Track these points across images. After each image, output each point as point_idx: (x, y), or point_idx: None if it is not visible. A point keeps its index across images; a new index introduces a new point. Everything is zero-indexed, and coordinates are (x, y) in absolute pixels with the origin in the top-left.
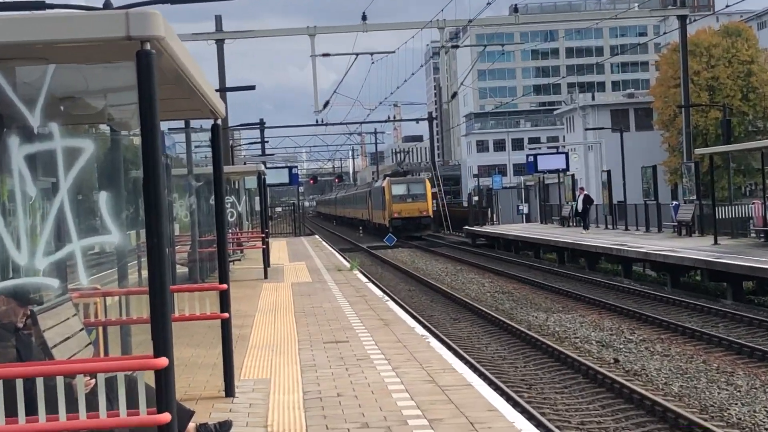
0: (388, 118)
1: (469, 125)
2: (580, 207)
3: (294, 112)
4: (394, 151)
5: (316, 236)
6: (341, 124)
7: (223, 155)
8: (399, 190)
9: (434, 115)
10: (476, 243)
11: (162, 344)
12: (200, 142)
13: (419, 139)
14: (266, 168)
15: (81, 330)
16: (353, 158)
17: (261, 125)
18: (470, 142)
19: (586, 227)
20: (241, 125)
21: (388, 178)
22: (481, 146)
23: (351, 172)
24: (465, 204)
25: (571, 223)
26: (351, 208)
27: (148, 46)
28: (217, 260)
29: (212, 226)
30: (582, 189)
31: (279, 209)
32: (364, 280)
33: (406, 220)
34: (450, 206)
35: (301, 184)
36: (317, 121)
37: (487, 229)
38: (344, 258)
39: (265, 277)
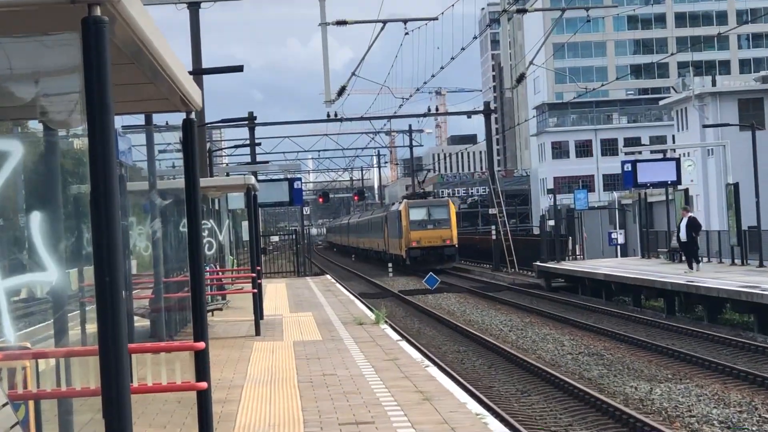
0: (429, 110)
1: (542, 121)
2: (683, 235)
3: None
4: (437, 156)
5: (328, 276)
6: (362, 119)
7: (199, 163)
8: (418, 214)
9: (492, 106)
10: (552, 285)
11: (117, 423)
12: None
13: (471, 140)
14: (258, 181)
15: (4, 405)
16: (379, 167)
17: (250, 121)
18: (543, 144)
19: (691, 264)
20: (224, 121)
21: (405, 201)
22: (559, 150)
23: (376, 186)
24: (536, 231)
25: (682, 258)
26: (366, 237)
27: (97, 11)
28: (191, 309)
29: (184, 262)
30: (686, 210)
31: (276, 238)
32: (396, 337)
33: (426, 250)
34: (514, 234)
35: (306, 204)
36: (329, 116)
37: (568, 265)
38: (367, 307)
39: (257, 333)
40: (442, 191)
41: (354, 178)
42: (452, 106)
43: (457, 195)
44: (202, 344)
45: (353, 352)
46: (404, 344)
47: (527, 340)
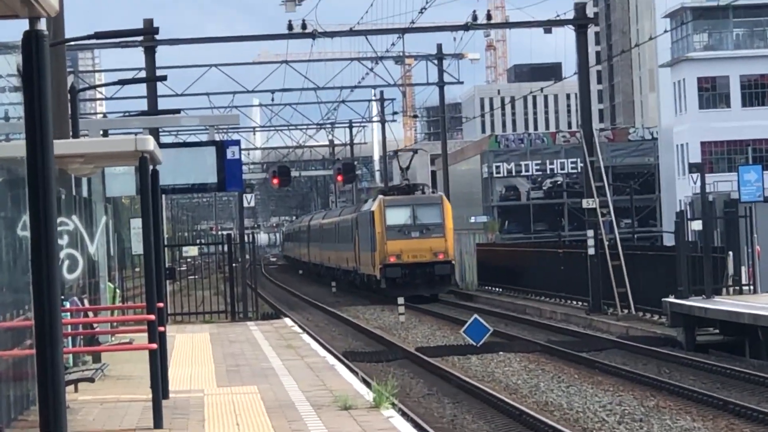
0: (474, 18)
1: (681, 39)
2: None
3: (230, 3)
4: (489, 102)
5: (287, 320)
6: (351, 33)
7: (55, 112)
8: (398, 217)
9: (591, 12)
10: (697, 341)
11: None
12: None
13: (551, 73)
14: (161, 146)
15: None
16: (383, 122)
17: (148, 36)
18: (682, 81)
19: None
20: (100, 36)
21: (380, 197)
22: (711, 93)
23: (376, 155)
24: (668, 240)
25: None
26: (332, 249)
27: None
28: (36, 380)
29: (23, 293)
30: None
31: (194, 251)
32: None
33: (409, 268)
34: (629, 247)
35: (249, 188)
36: (291, 28)
37: (726, 304)
38: (359, 378)
39: (157, 424)
40: (497, 167)
41: (337, 143)
42: (516, 11)
43: (523, 174)
44: None
45: None
46: None
47: None
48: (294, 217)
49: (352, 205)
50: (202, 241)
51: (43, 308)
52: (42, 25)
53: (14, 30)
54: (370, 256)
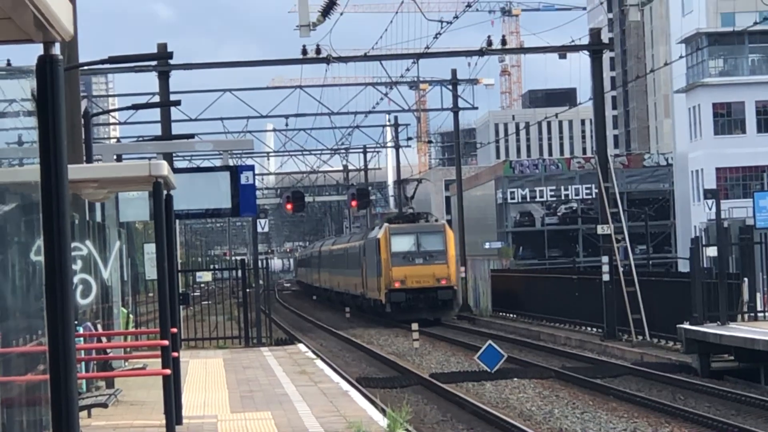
0: (489, 42)
1: (696, 65)
2: None
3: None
4: (503, 127)
5: (301, 346)
6: (366, 59)
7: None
8: (403, 244)
9: (606, 37)
10: (712, 368)
11: None
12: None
13: (566, 98)
14: (175, 171)
15: None
16: (397, 147)
17: (161, 61)
18: (697, 107)
19: None
20: (114, 60)
21: (386, 225)
22: (726, 119)
23: (390, 180)
24: (683, 266)
25: None
26: (341, 275)
27: None
28: (50, 405)
29: (36, 318)
30: None
31: (207, 276)
32: None
33: (413, 293)
34: (644, 273)
35: (263, 214)
36: (305, 53)
37: (742, 330)
38: (373, 404)
39: None
40: (511, 193)
41: (351, 168)
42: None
43: (537, 199)
44: None
45: None
46: None
47: None
48: (308, 243)
49: (360, 231)
50: (216, 266)
51: (57, 333)
52: (56, 49)
53: (28, 54)
54: (376, 282)
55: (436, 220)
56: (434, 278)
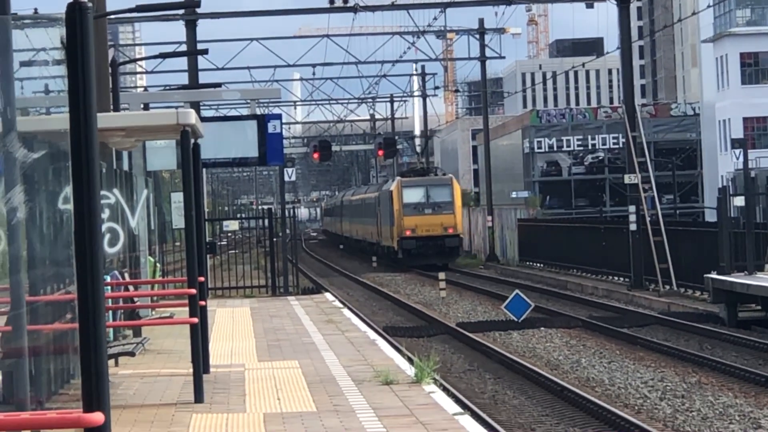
0: None
1: (723, 15)
2: None
3: None
4: (530, 77)
5: (327, 294)
6: (393, 7)
7: (97, 83)
8: (413, 196)
9: None
10: (739, 317)
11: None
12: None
13: (593, 48)
14: (202, 120)
15: None
16: (424, 96)
17: (189, 10)
18: (724, 57)
19: None
20: (141, 9)
21: (398, 178)
22: (754, 68)
23: (417, 129)
24: (710, 217)
25: None
26: (359, 224)
27: None
28: (79, 354)
29: (65, 266)
30: None
31: (234, 225)
32: (452, 409)
33: (422, 240)
34: (671, 223)
35: (290, 163)
36: (332, 2)
37: None
38: (400, 353)
39: (198, 398)
40: (538, 142)
41: (378, 117)
42: None
43: (564, 149)
44: (98, 417)
45: None
46: (468, 422)
47: (693, 418)
48: (336, 192)
49: (376, 184)
50: (243, 215)
51: (86, 282)
52: None
53: (54, 4)
54: (389, 230)
55: (444, 174)
56: (442, 227)
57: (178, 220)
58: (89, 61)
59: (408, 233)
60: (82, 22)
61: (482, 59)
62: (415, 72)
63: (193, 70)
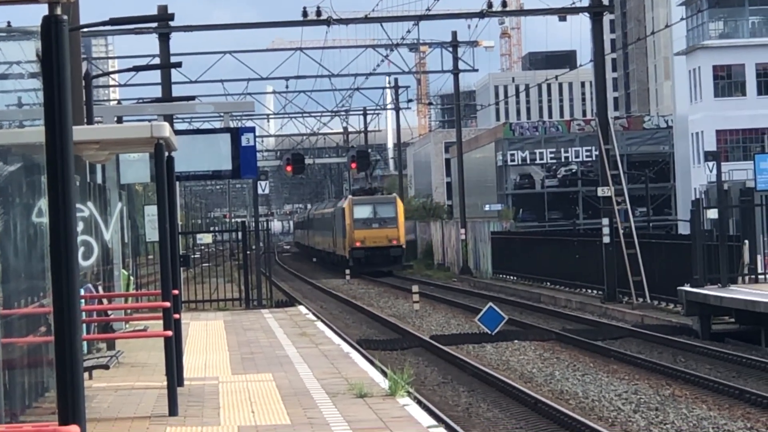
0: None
1: (696, 27)
2: None
3: None
4: (503, 90)
5: (301, 308)
6: (367, 20)
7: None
8: (363, 212)
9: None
10: (712, 329)
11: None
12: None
13: (566, 61)
14: (177, 133)
15: None
16: (397, 109)
17: (162, 22)
18: (697, 69)
19: None
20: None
21: (350, 197)
22: (726, 81)
23: (390, 143)
24: (683, 229)
25: None
26: (320, 236)
27: None
28: (54, 367)
29: (39, 280)
30: None
31: (207, 238)
32: (427, 422)
33: (370, 251)
34: (644, 236)
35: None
36: (306, 15)
37: (741, 293)
38: (373, 365)
39: (172, 411)
40: (511, 155)
41: (351, 130)
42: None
43: (537, 162)
44: (74, 430)
45: None
46: None
47: (668, 431)
48: (308, 205)
49: (333, 200)
50: (216, 228)
51: (62, 295)
52: (59, 9)
53: (31, 15)
54: (342, 242)
55: (390, 194)
56: (387, 239)
57: (151, 233)
58: (65, 73)
59: (358, 244)
60: (58, 35)
61: (455, 72)
62: (388, 85)
63: (166, 83)
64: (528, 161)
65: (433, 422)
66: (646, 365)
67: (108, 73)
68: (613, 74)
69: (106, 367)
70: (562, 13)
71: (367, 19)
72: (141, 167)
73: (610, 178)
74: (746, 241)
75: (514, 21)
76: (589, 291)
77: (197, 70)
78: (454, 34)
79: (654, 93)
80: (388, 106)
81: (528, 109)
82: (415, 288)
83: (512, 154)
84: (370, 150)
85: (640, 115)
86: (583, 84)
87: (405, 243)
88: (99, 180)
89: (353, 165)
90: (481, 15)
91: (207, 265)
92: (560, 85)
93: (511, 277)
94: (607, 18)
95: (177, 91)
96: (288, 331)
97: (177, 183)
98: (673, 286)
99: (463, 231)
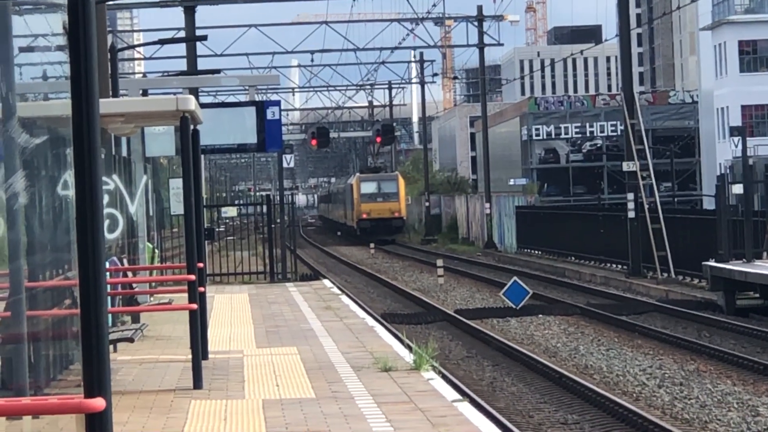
0: None
1: (722, 2)
2: None
3: None
4: (528, 64)
5: (326, 281)
6: None
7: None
8: (368, 188)
9: None
10: (737, 305)
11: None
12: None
13: (591, 35)
14: (202, 106)
15: None
16: (422, 83)
17: None
18: (723, 45)
19: None
20: None
21: (357, 174)
22: (752, 56)
23: (415, 116)
24: (708, 204)
25: None
26: (335, 209)
27: None
28: (79, 339)
29: (65, 252)
30: None
31: (232, 212)
32: (451, 396)
33: (375, 221)
34: (669, 211)
35: (289, 149)
36: None
37: (766, 267)
38: (398, 339)
39: (197, 384)
40: (536, 130)
41: (376, 104)
42: None
43: (562, 136)
44: (99, 403)
45: (377, 429)
46: (467, 409)
47: (691, 406)
48: (332, 180)
49: (345, 177)
50: (241, 201)
51: (88, 268)
52: None
53: None
54: (351, 214)
55: (392, 171)
56: (389, 211)
57: (176, 207)
58: (92, 47)
59: (364, 216)
60: (85, 8)
61: (480, 46)
62: (413, 59)
63: (191, 57)
64: (553, 136)
65: (458, 396)
66: (671, 340)
67: (133, 46)
68: (638, 49)
69: (130, 340)
70: None
71: None
72: (166, 140)
73: (635, 152)
74: None
75: None
76: (614, 266)
77: (222, 44)
78: (480, 8)
79: (679, 68)
80: (413, 80)
81: (553, 84)
82: (439, 262)
83: (537, 129)
84: (395, 124)
85: (665, 90)
86: (608, 59)
87: (406, 215)
88: (124, 153)
89: (378, 139)
90: None
91: (232, 238)
92: (585, 59)
93: (536, 252)
94: None
95: (202, 64)
96: (312, 304)
97: (202, 156)
98: (697, 261)
99: (487, 205)
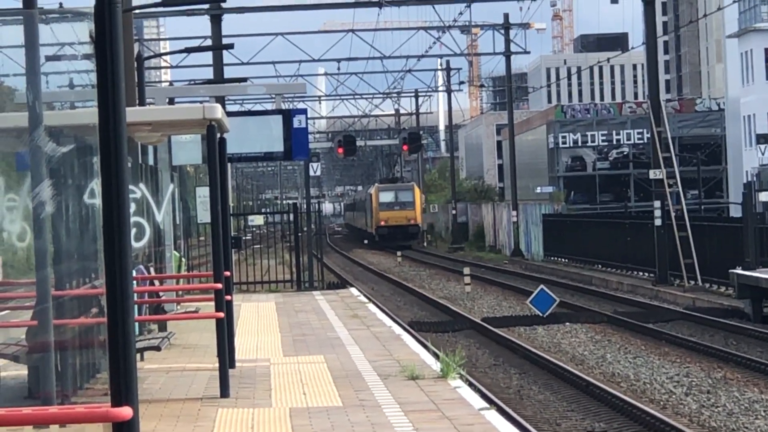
0: None
1: (749, 9)
2: None
3: None
4: (554, 72)
5: (353, 290)
6: (420, 1)
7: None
8: (386, 197)
9: None
10: (763, 312)
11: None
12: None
13: (618, 43)
14: (228, 114)
15: None
16: (449, 91)
17: (214, 4)
18: (749, 52)
19: None
20: (167, 4)
21: (376, 184)
22: None
23: (442, 124)
24: (735, 212)
25: None
26: (357, 216)
27: None
28: (106, 348)
29: (92, 261)
30: None
31: (259, 220)
32: (478, 404)
33: (392, 228)
34: (696, 218)
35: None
36: None
37: None
38: (425, 347)
39: (224, 393)
40: (563, 138)
41: (403, 112)
42: None
43: (589, 144)
44: (127, 411)
45: None
46: (494, 417)
47: (718, 414)
48: (359, 188)
49: (366, 187)
50: (268, 210)
51: (115, 277)
52: None
53: None
54: (370, 221)
55: (409, 182)
56: (406, 219)
57: (203, 215)
58: (118, 55)
59: (383, 223)
60: (111, 17)
61: (507, 54)
62: (439, 67)
63: (218, 65)
64: (579, 144)
65: (485, 404)
66: (698, 348)
67: (160, 55)
68: (664, 57)
69: (157, 348)
70: None
71: (418, 1)
72: (193, 149)
73: (661, 160)
74: None
75: (566, 3)
76: (641, 273)
77: (249, 52)
78: (506, 16)
79: (706, 75)
80: (440, 88)
81: (580, 92)
82: (466, 270)
83: (564, 137)
84: (421, 132)
85: (692, 97)
86: (634, 66)
87: (422, 222)
88: (151, 161)
89: (405, 147)
90: None
91: (258, 246)
92: (612, 67)
93: (563, 260)
94: (659, 0)
95: (229, 72)
96: (339, 312)
97: (229, 164)
98: (724, 269)
99: (514, 213)
